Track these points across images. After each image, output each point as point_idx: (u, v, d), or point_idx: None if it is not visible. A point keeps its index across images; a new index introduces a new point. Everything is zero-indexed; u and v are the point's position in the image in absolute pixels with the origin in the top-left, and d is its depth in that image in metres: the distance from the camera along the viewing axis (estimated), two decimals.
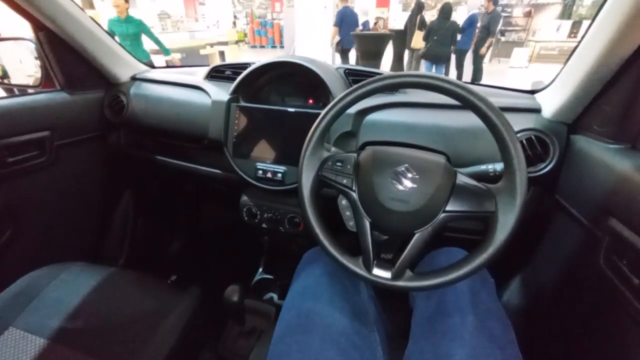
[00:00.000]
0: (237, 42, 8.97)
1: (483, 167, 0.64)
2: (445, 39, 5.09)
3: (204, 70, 1.05)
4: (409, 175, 0.56)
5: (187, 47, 6.74)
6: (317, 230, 0.61)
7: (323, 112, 0.63)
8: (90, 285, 0.76)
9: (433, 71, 5.43)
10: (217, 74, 1.02)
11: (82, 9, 0.95)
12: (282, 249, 1.20)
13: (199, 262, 1.52)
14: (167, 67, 1.29)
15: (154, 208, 1.40)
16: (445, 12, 5.02)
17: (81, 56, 1.00)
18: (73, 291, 0.74)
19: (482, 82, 6.52)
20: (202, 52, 7.21)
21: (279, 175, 0.87)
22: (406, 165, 0.57)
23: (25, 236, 0.97)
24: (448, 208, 0.54)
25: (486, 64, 6.90)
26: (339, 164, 0.62)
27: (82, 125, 1.05)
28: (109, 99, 1.08)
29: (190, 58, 6.78)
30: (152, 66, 1.28)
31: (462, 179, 0.57)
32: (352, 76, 0.90)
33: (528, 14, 11.57)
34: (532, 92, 0.87)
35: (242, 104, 0.91)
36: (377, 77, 0.58)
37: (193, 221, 1.57)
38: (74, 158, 1.05)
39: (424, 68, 5.68)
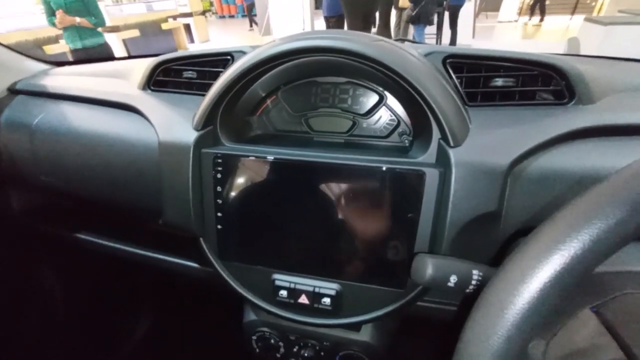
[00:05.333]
0: (203, 13, 7.88)
1: None
2: None
3: (143, 69, 0.53)
4: None
5: (144, 22, 5.79)
6: None
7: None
8: None
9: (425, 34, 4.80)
10: (167, 77, 0.52)
11: None
12: None
13: (180, 339, 1.06)
14: (82, 62, 0.74)
15: (98, 289, 0.91)
16: None
17: None
18: None
19: (472, 41, 5.96)
20: (165, 26, 6.27)
21: (326, 300, 0.41)
22: None
23: None
24: None
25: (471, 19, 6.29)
26: None
27: None
28: None
29: (154, 37, 5.88)
30: (66, 63, 0.75)
31: None
32: (462, 70, 0.41)
33: None
34: None
35: (227, 148, 0.43)
36: None
37: (162, 290, 1.08)
38: None
39: (412, 34, 5.04)
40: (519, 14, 8.91)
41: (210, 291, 0.93)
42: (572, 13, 8.42)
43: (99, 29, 2.90)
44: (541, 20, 8.00)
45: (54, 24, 2.57)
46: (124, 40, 5.21)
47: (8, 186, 0.64)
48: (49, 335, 0.81)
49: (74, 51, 2.75)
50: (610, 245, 0.16)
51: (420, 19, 4.58)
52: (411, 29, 5.74)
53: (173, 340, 1.03)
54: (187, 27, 6.94)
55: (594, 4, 7.97)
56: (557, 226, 0.18)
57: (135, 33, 5.46)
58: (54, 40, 3.95)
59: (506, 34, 7.21)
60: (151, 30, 5.94)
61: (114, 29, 5.16)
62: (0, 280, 0.70)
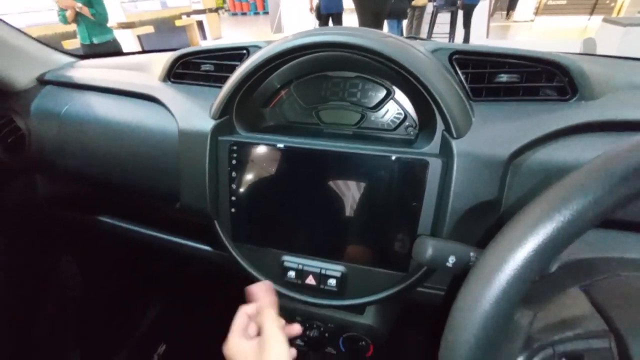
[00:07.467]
0: (216, 10, 7.95)
1: None
2: None
3: (163, 63, 0.56)
4: None
5: (159, 19, 5.90)
6: None
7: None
8: None
9: (402, 29, 4.59)
10: (186, 70, 0.55)
11: None
12: None
13: (191, 322, 1.11)
14: (105, 55, 0.78)
15: (115, 273, 0.95)
16: None
17: None
18: None
19: (486, 41, 5.84)
20: (178, 23, 6.37)
21: (332, 281, 0.44)
22: None
23: None
24: None
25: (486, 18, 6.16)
26: None
27: None
28: None
29: (167, 34, 6.00)
30: (91, 55, 0.79)
31: None
32: (467, 66, 0.43)
33: None
34: None
35: (242, 136, 0.46)
36: None
37: (176, 276, 1.13)
38: None
39: (387, 29, 4.88)
40: (536, 13, 8.73)
41: (220, 277, 0.97)
42: (591, 13, 8.22)
43: (108, 26, 2.99)
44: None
45: (64, 19, 2.68)
46: (138, 37, 5.32)
47: (35, 172, 0.68)
48: (69, 316, 0.86)
49: (83, 46, 2.86)
50: (584, 223, 0.18)
51: (390, 14, 4.41)
52: (424, 27, 5.65)
53: (183, 323, 1.08)
54: (200, 24, 7.02)
55: (613, 4, 7.76)
56: (539, 206, 0.20)
57: (149, 29, 5.56)
58: (73, 35, 4.06)
59: (521, 33, 7.08)
60: (165, 26, 6.04)
61: (129, 25, 5.26)
62: (24, 263, 0.74)
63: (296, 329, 0.38)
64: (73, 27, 3.03)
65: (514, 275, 0.19)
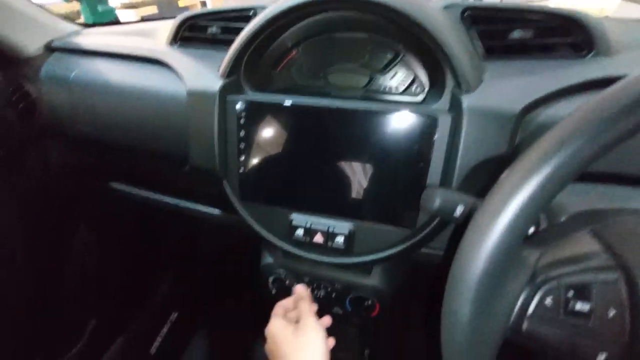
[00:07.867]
0: None
1: None
2: None
3: (169, 28, 0.56)
4: None
5: None
6: None
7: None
8: None
9: None
10: (193, 33, 0.54)
11: None
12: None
13: (203, 292, 1.15)
14: (112, 23, 0.78)
15: (129, 243, 0.98)
16: None
17: None
18: None
19: None
20: (181, 3, 6.25)
21: (339, 239, 0.44)
22: None
23: None
24: None
25: None
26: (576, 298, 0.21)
27: None
28: (8, 91, 0.61)
29: (171, 13, 5.90)
30: (90, 24, 0.79)
31: None
32: (480, 23, 0.42)
33: None
34: None
35: (250, 95, 0.46)
36: None
37: (188, 245, 1.16)
38: None
39: None
40: None
41: (229, 249, 0.99)
42: None
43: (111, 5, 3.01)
44: None
45: None
46: (142, 17, 5.26)
47: (47, 139, 0.69)
48: (84, 286, 0.89)
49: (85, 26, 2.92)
50: (577, 165, 0.19)
51: None
52: None
53: (194, 293, 1.12)
54: (204, 5, 6.88)
55: None
56: (539, 149, 0.20)
57: (153, 10, 5.47)
58: (77, 15, 4.03)
59: None
60: (168, 7, 5.92)
61: (133, 6, 5.19)
62: (41, 232, 0.76)
63: (326, 320, 0.45)
64: (76, 7, 3.03)
65: (519, 209, 0.19)
